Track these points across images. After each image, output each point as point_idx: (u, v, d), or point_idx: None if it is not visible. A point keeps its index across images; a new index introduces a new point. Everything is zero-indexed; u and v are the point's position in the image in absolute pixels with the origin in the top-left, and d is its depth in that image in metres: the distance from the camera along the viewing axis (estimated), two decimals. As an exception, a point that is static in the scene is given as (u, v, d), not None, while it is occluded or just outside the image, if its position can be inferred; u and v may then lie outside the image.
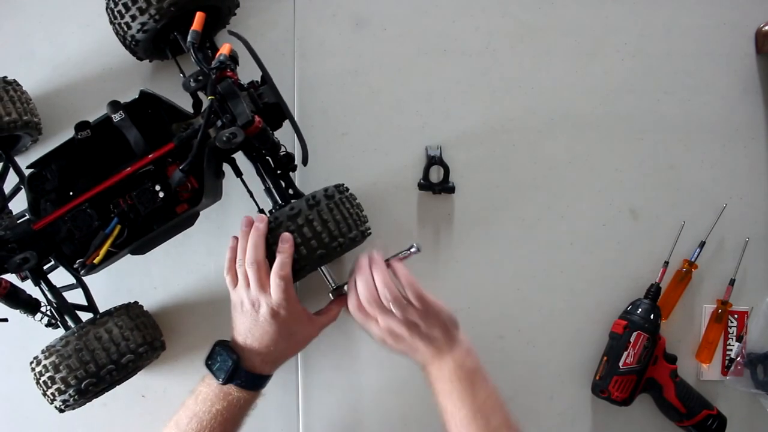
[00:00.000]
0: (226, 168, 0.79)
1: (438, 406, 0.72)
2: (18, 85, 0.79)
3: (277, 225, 0.70)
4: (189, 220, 0.76)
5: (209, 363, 0.72)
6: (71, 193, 0.74)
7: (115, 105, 0.73)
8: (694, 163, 0.92)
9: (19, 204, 0.78)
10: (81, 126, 0.73)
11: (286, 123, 0.75)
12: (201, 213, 0.77)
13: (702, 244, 0.90)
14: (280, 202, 0.77)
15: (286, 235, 0.69)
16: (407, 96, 0.90)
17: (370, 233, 0.78)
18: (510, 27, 0.91)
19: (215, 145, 0.69)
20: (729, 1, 0.93)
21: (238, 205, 0.84)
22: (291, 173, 0.78)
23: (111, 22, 0.76)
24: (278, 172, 0.77)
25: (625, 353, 0.85)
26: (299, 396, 0.89)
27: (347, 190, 0.76)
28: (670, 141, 0.92)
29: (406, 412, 0.89)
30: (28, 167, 0.74)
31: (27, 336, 0.78)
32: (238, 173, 0.78)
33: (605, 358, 0.87)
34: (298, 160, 0.77)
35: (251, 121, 0.68)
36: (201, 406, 0.69)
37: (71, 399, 0.70)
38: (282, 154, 0.75)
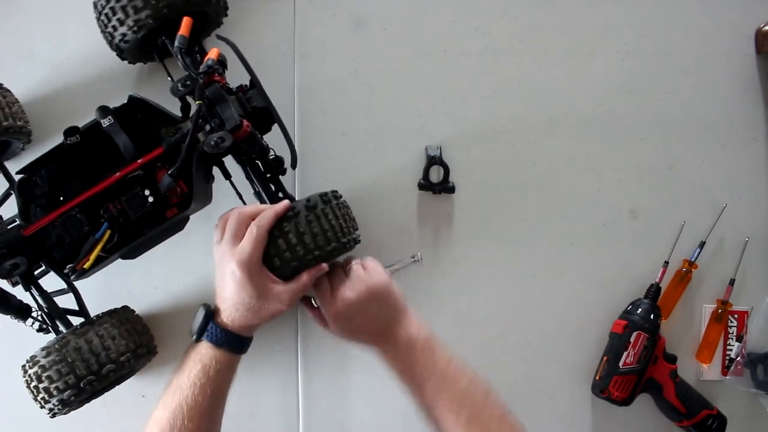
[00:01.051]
0: (216, 171, 0.79)
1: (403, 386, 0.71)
2: (3, 88, 0.78)
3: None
4: (179, 225, 0.76)
5: (192, 325, 0.70)
6: (61, 198, 0.74)
7: (104, 110, 0.73)
8: (694, 163, 0.92)
9: (8, 210, 0.78)
10: (70, 131, 0.73)
11: (276, 126, 0.75)
12: (199, 214, 0.77)
13: (702, 244, 0.90)
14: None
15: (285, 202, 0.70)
16: (407, 96, 0.90)
17: (359, 242, 0.77)
18: (510, 27, 0.91)
19: (204, 149, 0.69)
20: (729, 1, 0.93)
21: (239, 204, 0.83)
22: (281, 176, 0.78)
23: (99, 28, 0.77)
24: (267, 175, 0.77)
25: (625, 353, 0.85)
26: (299, 396, 0.89)
27: (338, 197, 0.75)
28: (670, 141, 0.92)
29: (407, 412, 0.89)
30: (17, 173, 0.74)
31: (27, 336, 0.78)
32: (227, 176, 0.78)
33: (605, 358, 0.87)
34: (287, 164, 0.77)
35: (239, 126, 0.68)
36: (180, 377, 0.67)
37: (56, 408, 0.70)
38: (271, 157, 0.75)
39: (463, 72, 0.90)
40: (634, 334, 0.85)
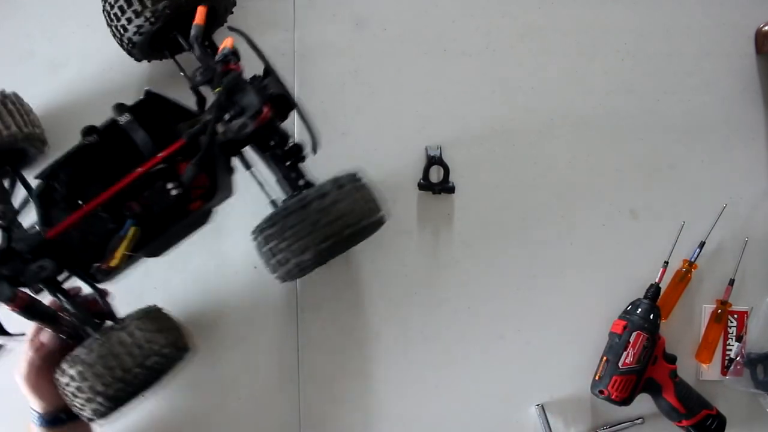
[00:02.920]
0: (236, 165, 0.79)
1: None
2: (17, 96, 0.78)
3: (287, 214, 0.71)
4: (203, 218, 0.76)
5: None
6: (80, 202, 0.73)
7: (120, 107, 0.72)
8: (694, 163, 0.92)
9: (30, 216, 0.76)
10: (88, 131, 0.72)
11: (291, 116, 0.75)
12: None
13: (702, 244, 0.90)
14: (291, 192, 0.77)
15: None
16: (407, 96, 0.90)
17: (385, 221, 0.77)
18: (510, 27, 0.91)
19: (224, 140, 0.69)
20: (729, 1, 0.93)
21: (238, 204, 0.84)
22: (301, 163, 0.78)
23: (108, 24, 0.77)
24: (288, 163, 0.77)
25: (625, 353, 0.85)
26: (299, 396, 0.89)
27: (361, 178, 0.75)
28: (670, 141, 0.92)
29: (405, 414, 0.89)
30: (35, 177, 0.74)
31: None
32: (248, 166, 0.78)
33: (605, 358, 0.87)
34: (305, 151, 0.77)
35: (260, 111, 0.69)
36: None
37: (101, 406, 0.69)
38: (291, 144, 0.75)
39: (463, 72, 0.90)
40: (634, 334, 0.85)
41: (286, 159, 0.77)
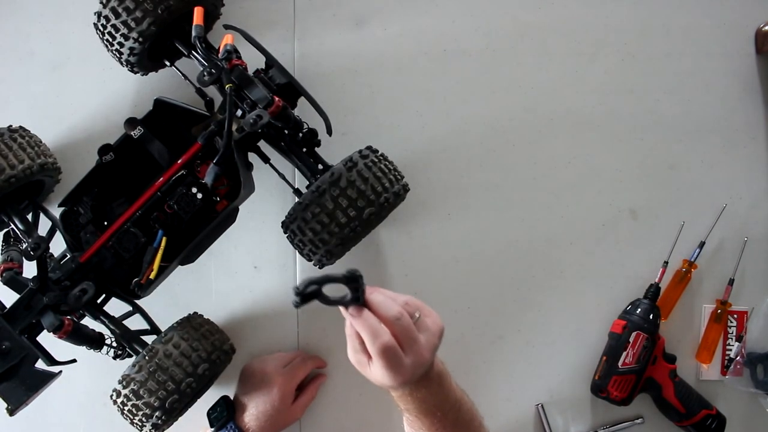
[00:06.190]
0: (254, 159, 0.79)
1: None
2: (25, 130, 0.78)
3: (320, 193, 0.71)
4: (230, 217, 0.76)
5: (209, 411, 0.80)
6: (105, 223, 0.74)
7: (131, 122, 0.73)
8: (694, 163, 0.92)
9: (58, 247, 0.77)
10: (104, 150, 0.73)
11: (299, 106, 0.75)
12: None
13: (701, 244, 0.90)
14: (312, 179, 0.77)
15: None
16: (407, 96, 0.90)
17: (407, 190, 0.78)
18: (510, 27, 0.91)
19: (239, 138, 0.70)
20: (729, 1, 0.93)
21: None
22: (316, 148, 0.79)
23: (108, 51, 0.78)
24: (304, 149, 0.77)
25: (624, 353, 0.85)
26: (299, 396, 0.89)
27: (370, 154, 0.75)
28: (670, 141, 0.92)
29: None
30: (59, 206, 0.74)
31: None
32: (266, 159, 0.79)
33: (604, 357, 0.87)
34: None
35: (272, 102, 0.69)
36: None
37: (159, 420, 0.70)
38: (305, 130, 0.76)
39: (463, 72, 0.90)
40: (633, 334, 0.85)
41: (302, 146, 0.77)
